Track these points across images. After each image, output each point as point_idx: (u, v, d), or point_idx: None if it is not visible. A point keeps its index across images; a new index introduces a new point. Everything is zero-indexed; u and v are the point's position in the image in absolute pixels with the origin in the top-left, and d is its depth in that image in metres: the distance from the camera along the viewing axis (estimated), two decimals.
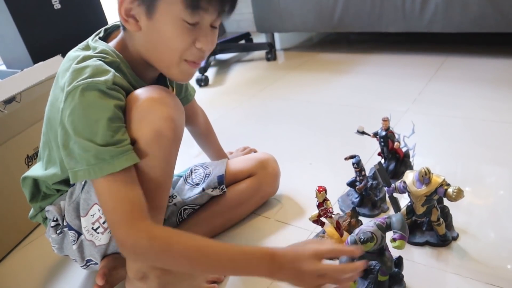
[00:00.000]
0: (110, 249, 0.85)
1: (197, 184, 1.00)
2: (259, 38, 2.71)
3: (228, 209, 1.02)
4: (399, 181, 0.88)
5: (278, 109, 1.72)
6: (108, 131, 0.68)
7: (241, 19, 3.14)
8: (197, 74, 2.13)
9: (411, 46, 2.21)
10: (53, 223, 0.85)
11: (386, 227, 0.74)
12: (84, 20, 1.80)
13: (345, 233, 0.91)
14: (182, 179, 1.03)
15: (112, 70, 0.71)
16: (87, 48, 0.77)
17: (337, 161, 1.20)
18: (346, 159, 1.00)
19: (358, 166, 0.98)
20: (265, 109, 1.75)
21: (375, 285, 0.78)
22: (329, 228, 0.90)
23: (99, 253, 0.85)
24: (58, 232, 0.85)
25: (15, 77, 1.18)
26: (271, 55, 2.37)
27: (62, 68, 0.75)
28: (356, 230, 0.75)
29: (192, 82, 2.09)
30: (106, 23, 1.90)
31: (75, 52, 0.76)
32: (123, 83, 0.73)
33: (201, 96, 1.97)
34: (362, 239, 0.73)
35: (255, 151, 1.33)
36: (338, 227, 0.89)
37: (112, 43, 0.78)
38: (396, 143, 1.07)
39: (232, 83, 2.13)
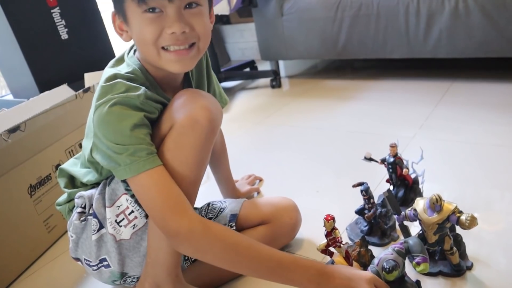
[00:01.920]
0: (127, 251, 0.83)
1: (210, 219, 0.94)
2: (264, 66, 2.73)
3: None
4: (409, 209, 0.85)
5: (284, 136, 1.71)
6: (140, 134, 0.71)
7: (246, 47, 3.18)
8: None
9: (416, 72, 2.21)
10: (79, 209, 0.84)
11: (405, 252, 0.72)
12: (91, 50, 1.82)
13: (354, 263, 0.88)
14: (196, 211, 0.98)
15: (143, 87, 0.74)
16: (121, 61, 0.81)
17: (344, 189, 1.18)
18: (354, 186, 0.98)
19: (367, 193, 0.96)
20: (270, 136, 1.74)
21: None
22: (338, 258, 0.87)
23: (117, 251, 0.82)
24: (82, 219, 0.84)
25: (20, 106, 1.18)
26: (276, 83, 2.37)
27: (100, 83, 0.77)
28: (375, 261, 0.72)
29: None
30: (113, 53, 1.92)
31: (110, 68, 0.80)
32: (156, 97, 0.77)
33: None
34: (387, 269, 0.70)
35: (261, 179, 1.31)
36: (347, 257, 0.86)
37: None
38: (404, 170, 1.05)
39: (238, 110, 2.13)
